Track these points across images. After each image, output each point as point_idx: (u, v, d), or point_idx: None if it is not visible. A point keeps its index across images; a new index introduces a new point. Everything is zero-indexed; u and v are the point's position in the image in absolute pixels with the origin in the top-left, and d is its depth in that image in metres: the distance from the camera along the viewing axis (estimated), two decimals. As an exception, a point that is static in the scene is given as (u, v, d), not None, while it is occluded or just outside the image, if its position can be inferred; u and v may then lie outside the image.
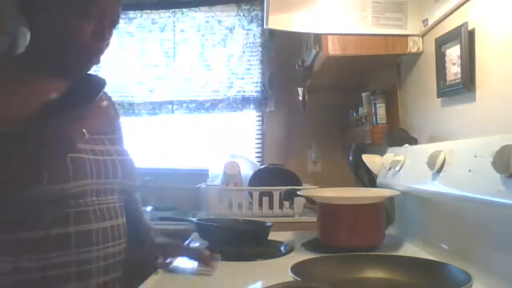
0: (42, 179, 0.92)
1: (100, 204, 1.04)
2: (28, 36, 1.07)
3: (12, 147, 0.91)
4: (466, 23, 1.23)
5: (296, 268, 0.84)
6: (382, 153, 1.59)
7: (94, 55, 1.04)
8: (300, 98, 2.32)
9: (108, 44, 1.07)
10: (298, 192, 1.40)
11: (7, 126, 0.92)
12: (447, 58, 1.34)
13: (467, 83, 1.23)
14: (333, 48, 1.63)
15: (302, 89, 2.33)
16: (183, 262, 1.15)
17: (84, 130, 0.98)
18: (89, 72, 0.98)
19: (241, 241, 1.31)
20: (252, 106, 2.79)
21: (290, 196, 1.58)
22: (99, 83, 0.99)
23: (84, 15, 1.00)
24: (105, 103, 1.15)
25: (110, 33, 1.07)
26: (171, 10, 2.81)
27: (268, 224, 1.41)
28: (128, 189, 1.15)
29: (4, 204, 0.92)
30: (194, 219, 1.43)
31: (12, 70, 1.04)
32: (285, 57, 2.63)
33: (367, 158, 1.66)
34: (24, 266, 0.92)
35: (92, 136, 1.02)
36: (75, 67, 1.05)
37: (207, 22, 2.80)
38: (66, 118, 0.94)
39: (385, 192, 1.35)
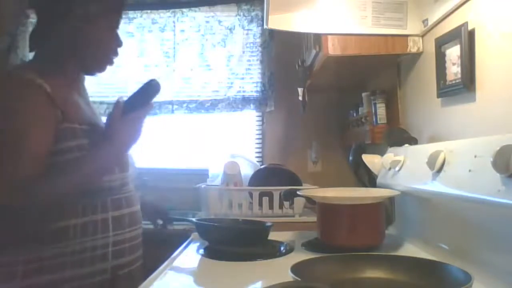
0: (114, 168, 1.18)
1: (126, 192, 1.24)
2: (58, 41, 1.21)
3: (86, 143, 1.13)
4: (466, 23, 1.23)
5: (296, 268, 0.84)
6: (382, 153, 1.59)
7: (114, 56, 1.30)
8: (300, 98, 2.32)
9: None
10: (298, 192, 1.40)
11: (81, 126, 1.15)
12: (447, 58, 1.34)
13: (467, 83, 1.23)
14: (333, 48, 1.63)
15: (302, 89, 2.33)
16: None
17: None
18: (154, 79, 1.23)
19: (241, 241, 1.30)
20: (252, 106, 2.79)
21: (290, 196, 1.58)
22: (156, 86, 1.23)
23: (116, 26, 1.27)
24: None
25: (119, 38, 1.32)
26: (171, 10, 2.81)
27: (268, 224, 1.41)
28: (134, 178, 1.34)
29: (87, 192, 1.12)
30: (194, 219, 1.42)
31: (62, 79, 1.20)
32: (285, 57, 2.63)
33: (367, 158, 1.66)
34: (92, 245, 1.13)
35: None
36: (96, 69, 1.28)
37: (207, 22, 2.80)
38: (135, 117, 1.16)
39: (385, 192, 1.35)
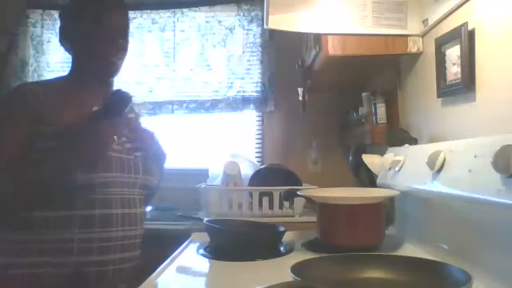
0: (78, 169, 1.21)
1: (122, 194, 1.30)
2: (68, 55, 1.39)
3: (61, 144, 1.20)
4: (466, 23, 1.23)
5: (296, 268, 0.84)
6: (382, 153, 1.59)
7: (113, 66, 1.36)
8: (300, 98, 2.32)
9: (124, 55, 1.39)
10: (298, 192, 1.40)
11: (54, 128, 1.22)
12: (447, 58, 1.34)
13: (467, 83, 1.23)
14: (333, 48, 1.63)
15: (302, 89, 2.33)
16: None
17: (115, 137, 1.25)
18: (121, 89, 1.30)
19: (254, 247, 1.25)
20: (252, 106, 2.79)
21: (290, 196, 1.58)
22: (128, 99, 1.29)
23: (115, 43, 1.32)
24: (133, 114, 1.46)
25: (121, 48, 1.37)
26: (171, 10, 2.81)
27: (282, 229, 1.38)
28: (148, 185, 1.41)
29: (51, 188, 1.20)
30: (204, 220, 1.38)
31: (61, 85, 1.36)
32: (285, 57, 2.62)
33: (367, 158, 1.66)
34: (53, 238, 1.20)
35: (119, 140, 1.29)
36: (107, 78, 1.38)
37: (207, 22, 2.80)
38: (104, 125, 1.23)
39: (385, 192, 1.35)
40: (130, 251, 1.32)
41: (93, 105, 1.28)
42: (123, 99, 1.29)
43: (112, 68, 1.36)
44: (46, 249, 1.20)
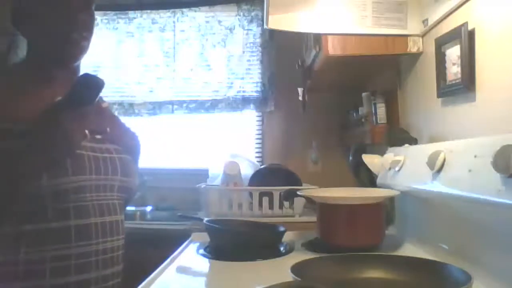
0: (42, 174, 0.97)
1: (99, 199, 1.08)
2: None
3: (18, 145, 0.95)
4: (466, 23, 1.23)
5: (296, 268, 0.84)
6: (382, 153, 1.59)
7: (75, 45, 1.10)
8: (300, 98, 2.32)
9: (88, 33, 1.12)
10: (298, 192, 1.40)
11: (17, 126, 0.97)
12: (447, 58, 1.34)
13: (467, 83, 1.23)
14: (333, 48, 1.63)
15: (302, 89, 2.33)
16: None
17: (86, 131, 1.00)
18: (89, 73, 1.00)
19: (254, 247, 1.25)
20: (252, 106, 2.79)
21: (290, 196, 1.58)
22: (98, 84, 1.00)
23: (76, 17, 1.08)
24: (106, 103, 1.18)
25: (83, 24, 1.11)
26: (171, 10, 2.82)
27: (282, 229, 1.38)
28: (128, 186, 1.19)
29: (8, 199, 0.96)
30: (204, 220, 1.37)
31: (16, 74, 1.11)
32: (285, 57, 2.62)
33: (367, 158, 1.66)
34: (25, 258, 0.96)
35: (92, 135, 1.03)
36: (70, 61, 1.12)
37: (207, 22, 2.81)
38: (69, 117, 0.97)
39: (385, 192, 1.35)
40: (112, 267, 1.10)
41: (55, 97, 1.02)
42: (93, 84, 1.00)
43: (74, 49, 1.10)
44: (13, 273, 0.96)
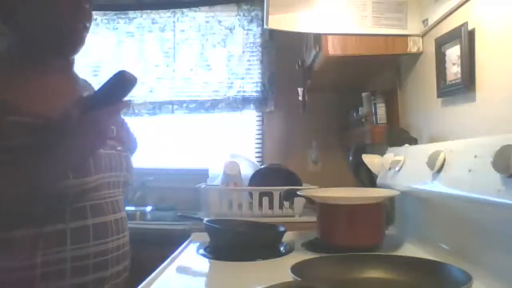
0: (68, 173, 0.96)
1: (110, 197, 1.09)
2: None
3: (43, 141, 0.93)
4: (466, 23, 1.23)
5: (296, 268, 0.84)
6: (382, 153, 1.59)
7: (77, 35, 1.07)
8: (300, 98, 2.32)
9: (89, 23, 1.10)
10: (298, 192, 1.40)
11: (33, 120, 0.94)
12: (447, 58, 1.34)
13: (467, 83, 1.23)
14: (333, 48, 1.63)
15: (302, 89, 2.33)
16: None
17: (113, 127, 1.00)
18: (123, 70, 0.99)
19: (254, 247, 1.25)
20: (252, 106, 2.79)
21: (290, 196, 1.58)
22: (132, 81, 0.99)
23: (81, 5, 1.05)
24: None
25: (87, 14, 1.09)
26: (171, 10, 2.81)
27: (282, 229, 1.38)
28: (128, 182, 1.20)
29: (30, 199, 0.94)
30: (204, 220, 1.37)
31: (14, 67, 1.05)
32: (285, 57, 2.62)
33: (367, 158, 1.66)
34: (43, 260, 0.95)
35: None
36: (71, 51, 1.09)
37: (207, 22, 2.81)
38: (103, 115, 0.96)
39: (385, 192, 1.35)
40: (124, 262, 1.12)
41: (53, 89, 1.01)
42: (129, 81, 0.99)
43: (77, 38, 1.07)
44: (31, 277, 0.94)
